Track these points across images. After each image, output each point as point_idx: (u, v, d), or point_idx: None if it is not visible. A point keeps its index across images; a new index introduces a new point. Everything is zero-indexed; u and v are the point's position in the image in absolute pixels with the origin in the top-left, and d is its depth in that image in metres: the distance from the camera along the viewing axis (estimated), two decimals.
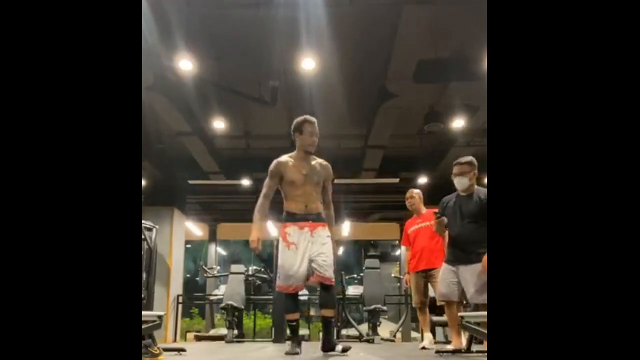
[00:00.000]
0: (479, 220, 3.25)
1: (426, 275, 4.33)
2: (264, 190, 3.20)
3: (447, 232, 3.46)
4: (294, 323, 3.22)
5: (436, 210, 3.51)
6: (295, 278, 3.04)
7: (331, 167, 3.28)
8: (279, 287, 3.19)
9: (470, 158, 3.42)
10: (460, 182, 3.39)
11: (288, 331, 3.37)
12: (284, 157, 3.22)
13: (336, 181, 3.94)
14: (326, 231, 3.15)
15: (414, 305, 4.59)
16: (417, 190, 4.64)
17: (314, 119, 3.20)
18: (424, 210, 4.51)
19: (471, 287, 3.20)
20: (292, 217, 3.12)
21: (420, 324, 4.93)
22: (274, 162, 3.20)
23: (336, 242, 3.29)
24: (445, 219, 3.34)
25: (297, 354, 3.07)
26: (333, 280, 3.11)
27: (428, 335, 4.55)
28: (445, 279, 3.37)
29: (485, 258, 3.16)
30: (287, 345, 3.20)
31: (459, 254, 3.31)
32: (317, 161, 3.23)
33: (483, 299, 3.20)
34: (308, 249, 3.05)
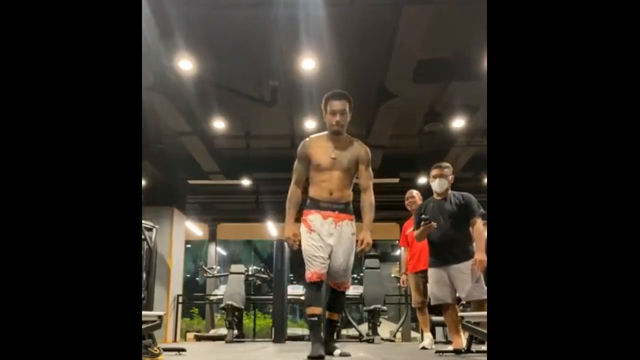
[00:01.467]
0: (460, 221, 3.33)
1: (425, 276, 4.33)
2: (293, 177, 2.89)
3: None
4: (315, 318, 2.76)
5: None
6: (318, 262, 2.72)
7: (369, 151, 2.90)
8: (307, 278, 2.79)
9: (447, 163, 3.53)
10: (440, 184, 3.43)
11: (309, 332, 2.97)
12: (313, 137, 2.91)
13: None
14: (351, 227, 2.82)
15: (413, 305, 4.60)
16: (416, 191, 4.64)
17: (340, 92, 2.81)
18: None
19: (466, 285, 3.21)
20: (315, 205, 2.79)
21: (420, 324, 4.94)
22: (301, 142, 2.90)
23: (367, 242, 2.77)
24: (435, 224, 3.28)
25: (321, 357, 2.61)
26: (348, 286, 2.87)
27: (428, 335, 4.56)
28: (437, 282, 3.38)
29: (477, 255, 3.20)
30: (310, 348, 2.75)
31: (448, 255, 3.32)
32: (351, 143, 2.86)
33: (481, 294, 3.21)
34: (330, 240, 2.76)
